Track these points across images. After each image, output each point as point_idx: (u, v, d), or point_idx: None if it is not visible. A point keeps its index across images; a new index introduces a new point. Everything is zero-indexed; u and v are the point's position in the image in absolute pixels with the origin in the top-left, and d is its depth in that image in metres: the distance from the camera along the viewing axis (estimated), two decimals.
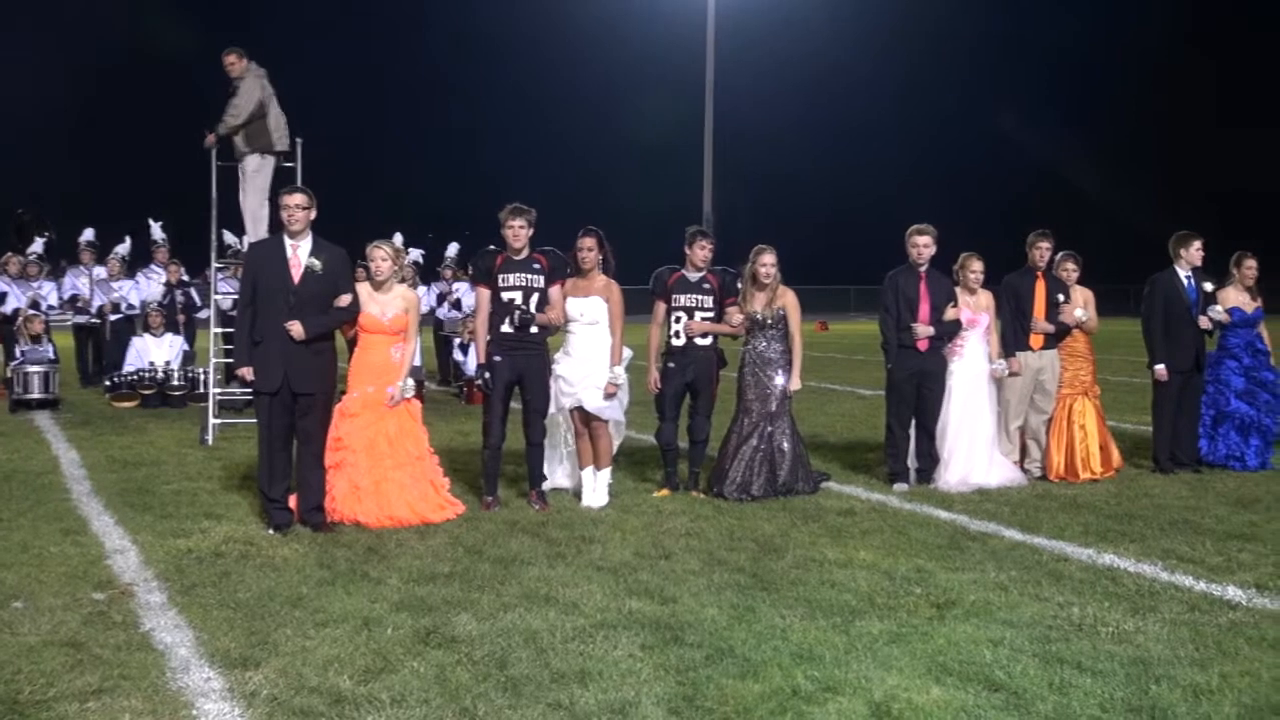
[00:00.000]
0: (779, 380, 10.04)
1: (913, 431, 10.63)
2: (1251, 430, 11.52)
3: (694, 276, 10.06)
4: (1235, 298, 11.67)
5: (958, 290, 10.65)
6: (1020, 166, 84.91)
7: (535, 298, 9.38)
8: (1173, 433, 11.41)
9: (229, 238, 16.40)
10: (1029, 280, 11.07)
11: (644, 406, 10.35)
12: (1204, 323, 11.38)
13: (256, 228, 13.43)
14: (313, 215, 8.62)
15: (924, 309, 10.41)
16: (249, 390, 9.34)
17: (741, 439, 10.02)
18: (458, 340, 19.08)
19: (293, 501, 8.77)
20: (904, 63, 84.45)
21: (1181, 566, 7.68)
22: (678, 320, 10.02)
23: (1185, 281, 11.42)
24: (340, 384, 8.95)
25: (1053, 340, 11.02)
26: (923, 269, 10.49)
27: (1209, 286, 11.53)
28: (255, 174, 13.44)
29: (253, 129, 13.42)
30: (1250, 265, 11.79)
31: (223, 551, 7.99)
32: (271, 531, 8.54)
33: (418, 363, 15.33)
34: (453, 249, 20.97)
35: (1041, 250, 11.08)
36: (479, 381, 9.52)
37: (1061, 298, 11.02)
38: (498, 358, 9.36)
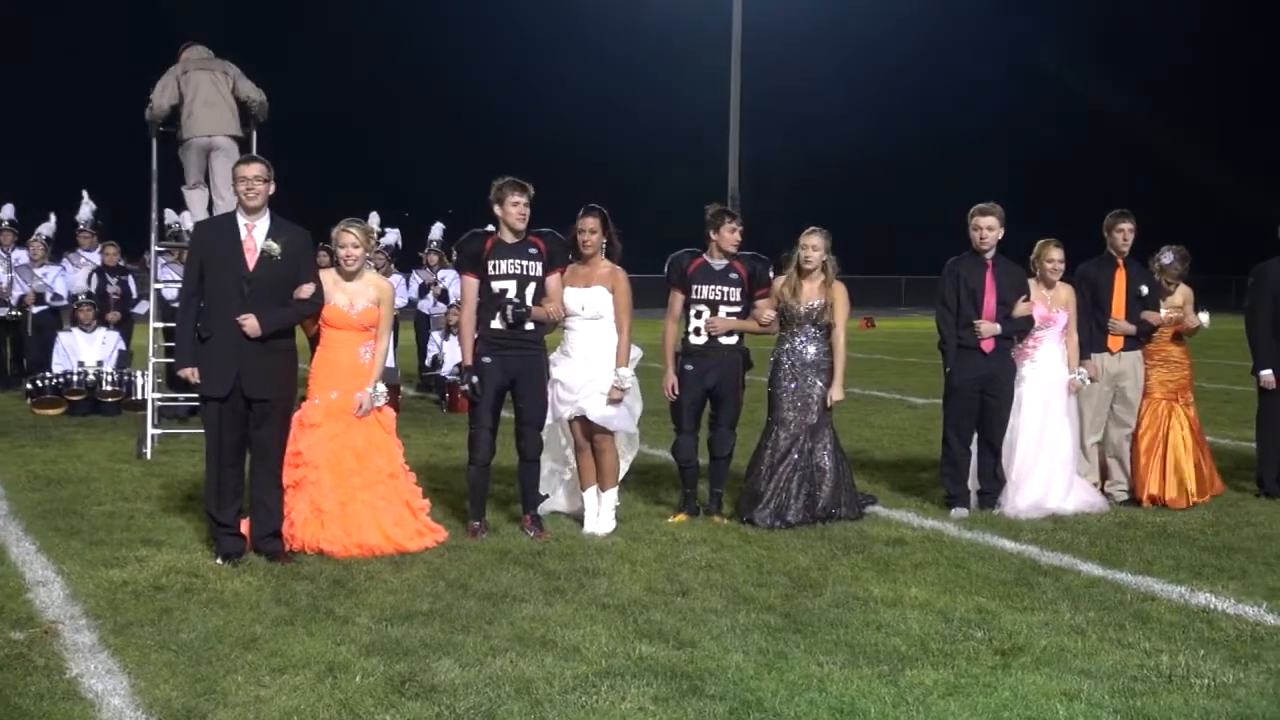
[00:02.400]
0: (820, 387, 10.04)
1: (974, 448, 10.63)
2: None
3: (719, 264, 10.06)
4: None
5: (1031, 283, 10.63)
6: (1102, 140, 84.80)
7: (531, 288, 9.39)
8: None
9: (170, 217, 16.43)
10: (1108, 270, 11.04)
11: (658, 416, 10.36)
12: None
13: (195, 208, 13.61)
14: (271, 190, 8.64)
15: (989, 303, 10.39)
16: (194, 396, 9.37)
17: (778, 456, 10.01)
18: (436, 332, 19.07)
19: (245, 526, 8.78)
20: (962, 7, 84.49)
21: None
22: (698, 315, 10.01)
23: None
24: (301, 389, 8.97)
25: (1134, 341, 10.98)
26: (989, 256, 10.47)
27: None
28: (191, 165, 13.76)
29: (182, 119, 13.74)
30: None
31: (163, 584, 8.00)
32: (220, 561, 8.55)
33: (392, 364, 15.34)
34: (437, 230, 20.97)
35: (1123, 233, 11.04)
36: (465, 387, 9.53)
37: (1145, 289, 10.97)
38: (487, 359, 9.36)
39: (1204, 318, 11.05)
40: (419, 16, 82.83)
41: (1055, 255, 10.67)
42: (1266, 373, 11.33)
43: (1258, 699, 6.06)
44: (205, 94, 13.70)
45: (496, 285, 9.36)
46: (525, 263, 9.37)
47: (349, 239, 9.04)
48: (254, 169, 8.63)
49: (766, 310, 10.04)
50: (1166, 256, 11.27)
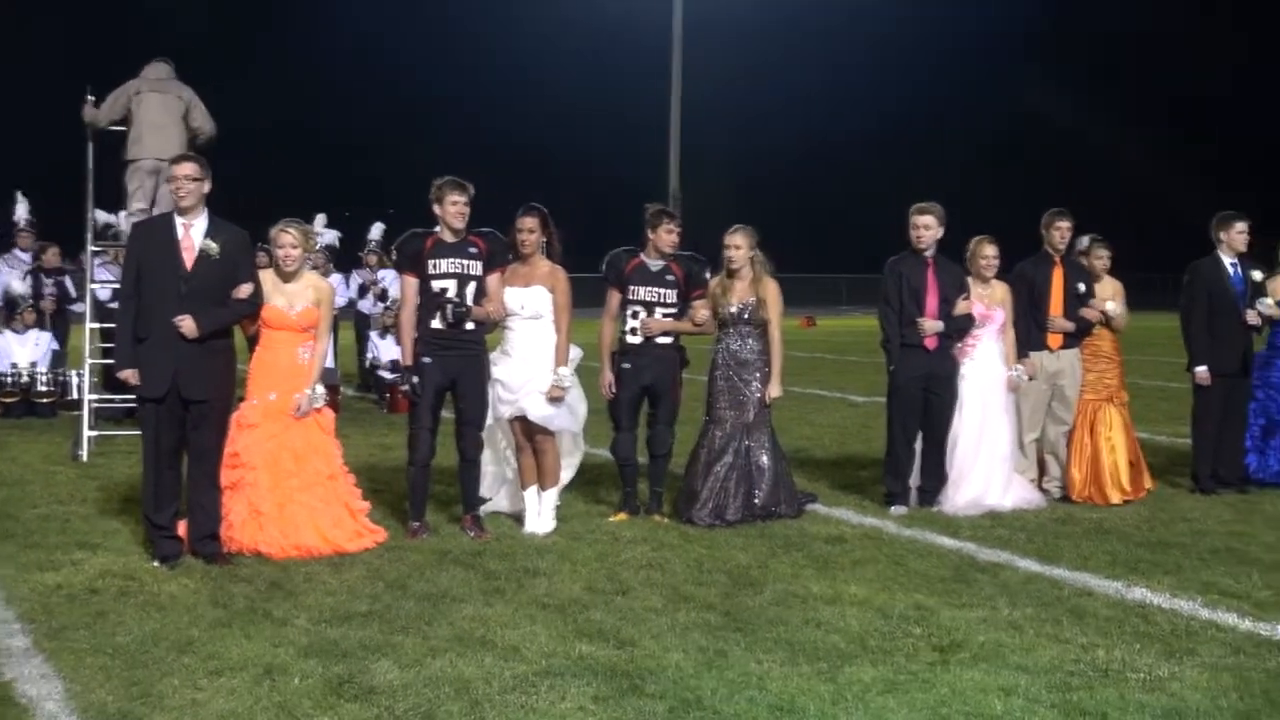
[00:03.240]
0: (756, 385, 10.07)
1: (917, 445, 10.68)
2: None
3: (655, 265, 10.07)
4: None
5: (969, 280, 10.69)
6: (1041, 136, 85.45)
7: (471, 287, 9.36)
8: (1215, 446, 11.50)
9: (104, 217, 16.26)
10: (1045, 268, 11.11)
11: (597, 415, 10.36)
12: (1251, 318, 11.46)
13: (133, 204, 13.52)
14: (206, 188, 8.57)
15: (931, 301, 10.45)
16: (131, 397, 9.28)
17: (714, 455, 10.04)
18: (373, 332, 18.99)
19: (182, 529, 8.71)
20: (905, 5, 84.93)
21: (1224, 602, 7.76)
22: (634, 316, 10.03)
23: (1230, 270, 11.52)
24: (239, 390, 8.91)
25: (1073, 339, 11.07)
26: (929, 254, 10.53)
27: (1258, 275, 11.62)
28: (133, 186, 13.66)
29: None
30: None
31: (98, 588, 7.93)
32: (157, 564, 8.49)
33: (331, 365, 15.27)
34: (376, 230, 20.87)
35: (1061, 231, 11.12)
36: (405, 387, 9.49)
37: (1082, 287, 11.06)
38: (426, 359, 9.33)
39: (1110, 306, 11.13)
40: (357, 16, 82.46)
41: (989, 252, 10.74)
42: (1201, 369, 11.43)
43: (1191, 692, 6.12)
44: (155, 117, 13.58)
45: (436, 285, 9.32)
46: (465, 262, 9.34)
47: (287, 239, 8.99)
48: (186, 168, 8.55)
49: (701, 311, 10.06)
50: (1084, 241, 11.35)
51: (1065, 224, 11.11)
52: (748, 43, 75.91)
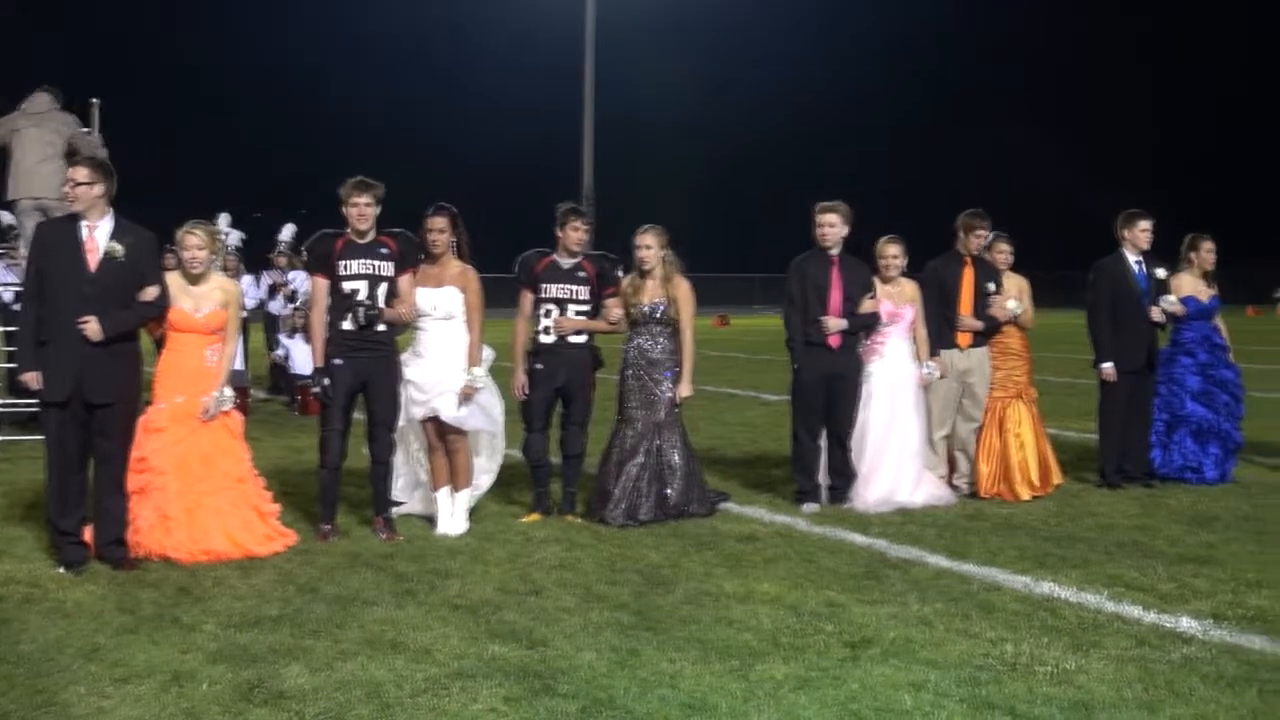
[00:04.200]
0: (667, 385, 10.09)
1: (824, 443, 10.74)
2: (1210, 437, 11.82)
3: (567, 263, 10.07)
4: (1190, 286, 11.96)
5: (877, 279, 10.77)
6: (945, 136, 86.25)
7: (382, 288, 9.32)
8: (1121, 442, 11.66)
9: (7, 218, 16.06)
10: (956, 267, 11.20)
11: (509, 416, 10.33)
12: (1155, 315, 11.63)
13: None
14: (98, 191, 8.39)
15: (835, 299, 10.50)
16: (34, 401, 9.13)
17: (625, 454, 10.05)
18: (282, 333, 18.84)
19: (88, 534, 8.60)
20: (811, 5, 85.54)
21: (1129, 595, 7.87)
22: (547, 314, 10.02)
23: (1135, 268, 11.67)
24: (145, 393, 8.80)
25: (982, 337, 11.17)
26: (833, 253, 10.59)
27: (1161, 273, 11.78)
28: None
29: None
30: (1208, 249, 12.09)
31: (2, 595, 7.81)
32: (62, 570, 8.36)
33: (240, 366, 15.14)
34: (287, 231, 20.71)
35: (980, 238, 11.19)
36: (315, 389, 9.43)
37: (992, 287, 11.16)
38: (337, 361, 9.27)
39: (1011, 304, 11.24)
40: (273, 17, 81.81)
41: (890, 251, 10.82)
42: (1107, 366, 11.58)
43: (1098, 685, 6.20)
44: (31, 156, 13.40)
45: (347, 286, 9.26)
46: (376, 263, 9.29)
47: (193, 241, 8.90)
48: (79, 173, 8.41)
49: (614, 309, 10.08)
50: (988, 236, 11.42)
51: (984, 230, 11.19)
52: (662, 42, 76.12)
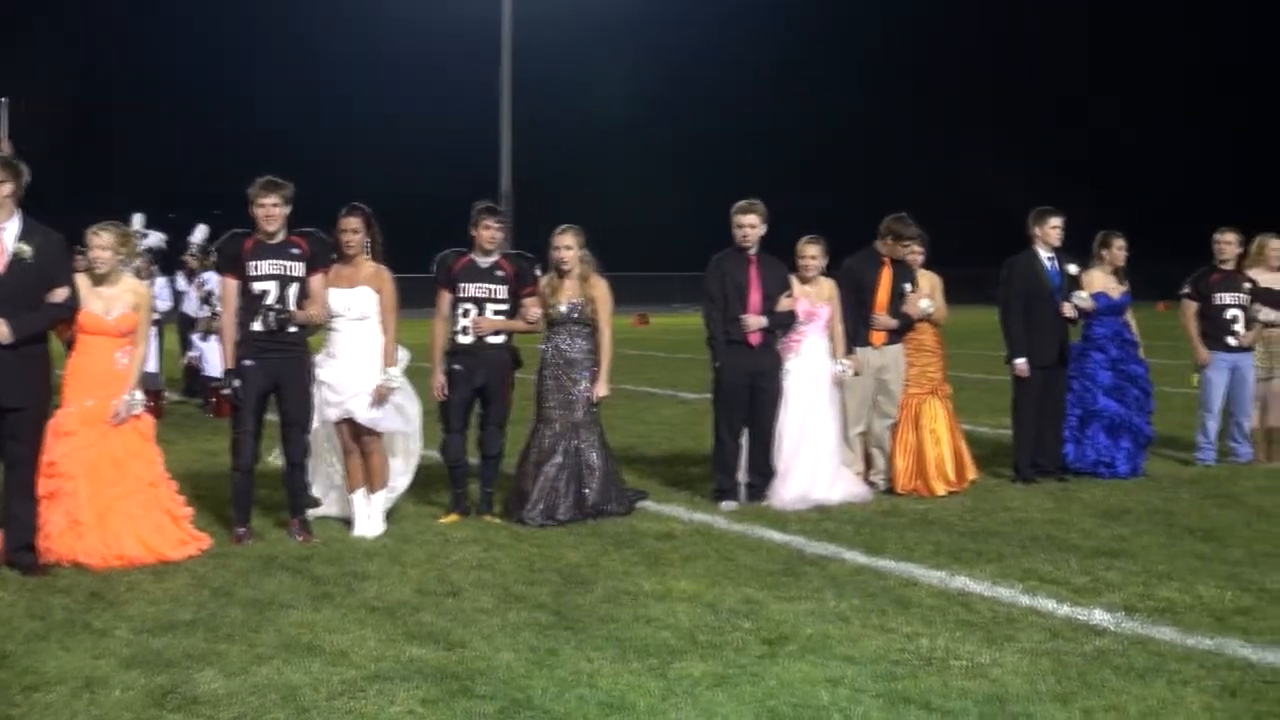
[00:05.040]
0: (584, 385, 10.08)
1: (744, 441, 10.78)
2: (1121, 431, 11.97)
3: (485, 263, 10.04)
4: (1101, 282, 12.11)
5: (794, 278, 10.82)
6: (862, 132, 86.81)
7: (293, 289, 9.24)
8: (1035, 437, 11.78)
9: None
10: (873, 266, 11.26)
11: (427, 417, 10.28)
12: (1067, 310, 11.75)
13: None
14: (5, 190, 8.26)
15: (754, 298, 10.55)
16: None
17: (543, 454, 10.04)
18: (196, 335, 18.65)
19: None
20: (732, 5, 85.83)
21: (1043, 589, 7.96)
22: (465, 314, 9.99)
23: (1047, 264, 11.79)
24: (55, 396, 8.68)
25: (897, 335, 11.25)
26: (751, 252, 10.63)
27: (1073, 269, 11.91)
28: None
29: None
30: (1120, 245, 12.24)
31: None
32: None
33: (153, 368, 14.97)
34: (200, 232, 20.48)
35: (907, 247, 11.28)
36: (226, 390, 9.34)
37: (909, 288, 11.25)
38: (248, 362, 9.18)
39: (924, 303, 11.33)
40: (179, 17, 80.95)
41: (810, 252, 10.87)
42: (1020, 361, 11.69)
43: (1012, 678, 6.26)
44: None
45: (257, 287, 9.18)
46: (286, 263, 9.21)
47: (98, 241, 8.78)
48: None
49: (533, 309, 10.06)
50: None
51: (908, 235, 11.26)
52: (578, 43, 76.09)
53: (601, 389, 10.16)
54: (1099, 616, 7.33)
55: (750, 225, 10.61)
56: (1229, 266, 12.71)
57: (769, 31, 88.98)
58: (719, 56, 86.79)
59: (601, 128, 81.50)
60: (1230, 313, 12.53)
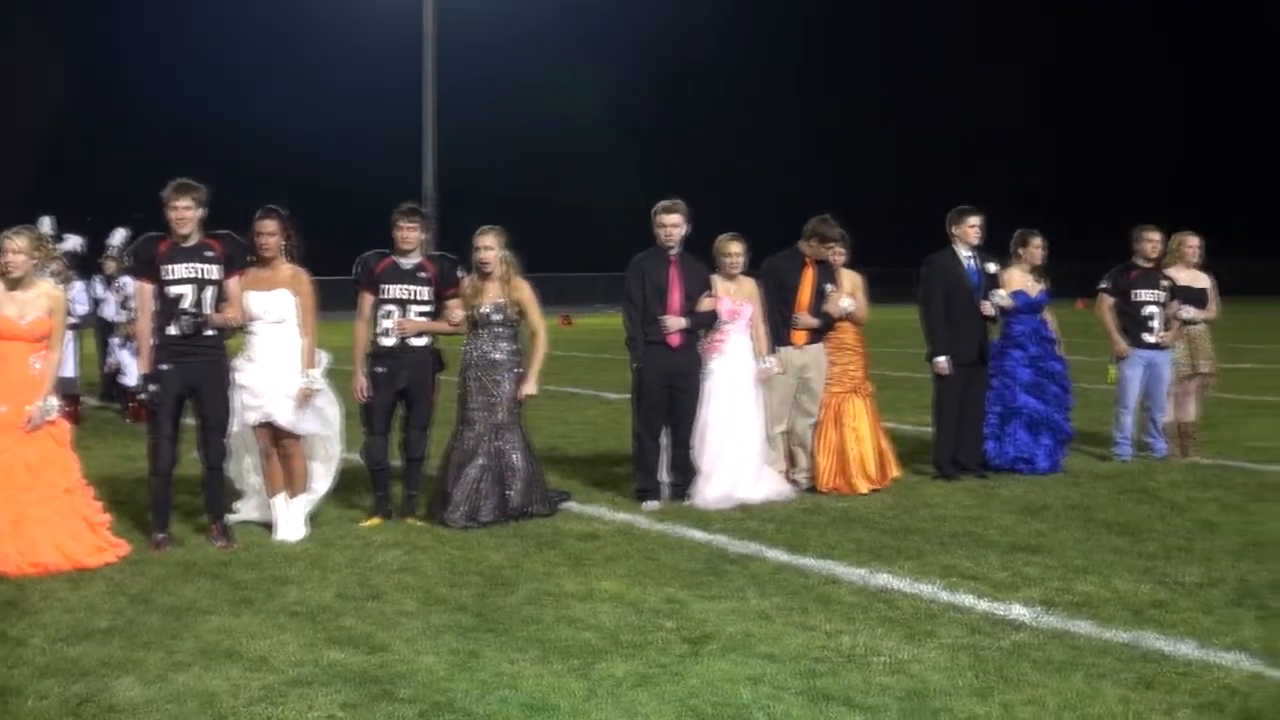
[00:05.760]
0: (506, 385, 10.06)
1: (666, 441, 10.79)
2: (1041, 428, 12.08)
3: (407, 264, 10.00)
4: (1019, 280, 12.22)
5: (716, 277, 10.84)
6: (789, 131, 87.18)
7: (210, 292, 9.16)
8: (956, 434, 11.88)
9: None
10: (795, 266, 11.30)
11: (350, 420, 10.23)
12: (986, 309, 11.85)
13: None
14: None
15: (675, 298, 10.56)
16: None
17: (465, 456, 10.01)
18: (115, 340, 18.44)
19: None
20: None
21: (963, 585, 8.03)
22: (387, 316, 9.94)
23: (966, 263, 11.89)
24: None
25: (819, 334, 11.30)
26: (673, 252, 10.65)
27: (992, 268, 12.01)
28: None
29: None
30: (1037, 245, 12.37)
31: None
32: None
33: (71, 374, 14.78)
34: (118, 235, 20.24)
35: (831, 250, 11.33)
36: (143, 395, 9.24)
37: (830, 287, 11.30)
38: (165, 366, 9.09)
39: (845, 302, 11.39)
40: (94, 15, 79.94)
41: (734, 249, 10.90)
42: (941, 359, 11.78)
43: (931, 673, 6.31)
44: None
45: (173, 290, 9.08)
46: (201, 266, 9.13)
47: (10, 245, 8.67)
48: None
49: (456, 310, 10.03)
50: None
51: (835, 243, 11.33)
52: (504, 44, 75.94)
53: (530, 387, 10.14)
54: (1018, 611, 7.40)
55: (673, 225, 10.63)
56: (1147, 264, 12.86)
57: (696, 32, 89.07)
58: (643, 57, 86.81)
59: (526, 129, 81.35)
60: (1148, 309, 12.69)
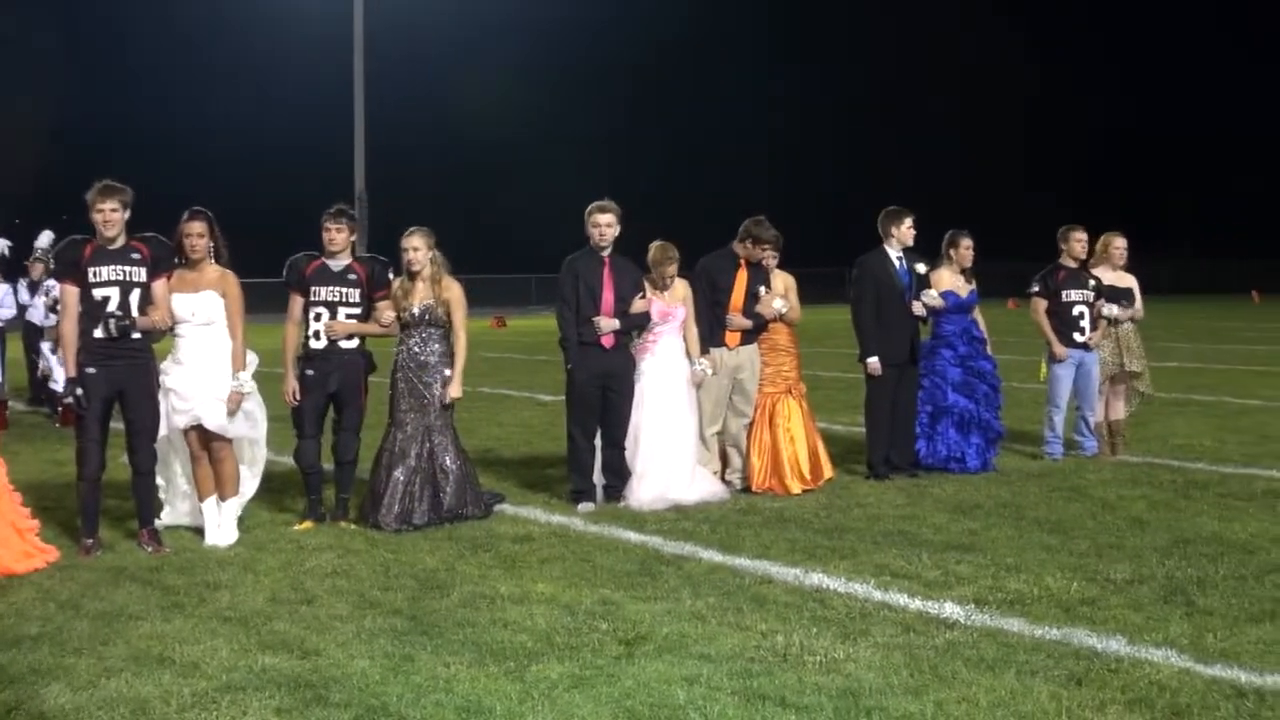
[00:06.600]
0: (438, 387, 10.03)
1: (600, 442, 10.80)
2: (971, 427, 12.18)
3: (337, 266, 9.95)
4: (949, 281, 12.31)
5: (647, 279, 10.86)
6: (727, 131, 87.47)
7: (136, 294, 9.08)
8: (888, 433, 11.94)
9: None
10: (729, 267, 11.33)
11: (281, 423, 10.18)
12: (917, 309, 11.93)
13: None
14: None
15: (608, 299, 10.57)
16: None
17: (396, 458, 9.98)
18: (45, 344, 18.25)
19: None
20: None
21: (896, 584, 8.07)
22: (317, 318, 9.90)
23: (897, 263, 11.96)
24: None
25: (751, 335, 11.34)
26: (606, 253, 10.66)
27: (922, 268, 12.10)
28: None
29: None
30: (967, 245, 12.46)
31: None
32: None
33: None
34: (45, 238, 20.01)
35: (764, 253, 11.37)
36: (69, 399, 9.15)
37: (763, 289, 11.35)
38: (91, 369, 9.00)
39: (777, 303, 11.43)
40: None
41: (669, 271, 10.92)
42: (873, 360, 11.83)
43: (865, 672, 6.35)
44: None
45: (98, 293, 9.01)
46: (127, 269, 9.05)
47: None
48: None
49: (386, 312, 10.00)
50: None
51: (769, 246, 11.37)
52: (434, 44, 75.71)
53: (455, 390, 10.11)
54: (950, 610, 7.45)
55: (606, 225, 10.64)
56: (1074, 264, 12.98)
57: (630, 31, 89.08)
58: (583, 54, 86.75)
59: (458, 128, 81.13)
60: (1077, 309, 12.81)
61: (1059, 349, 12.80)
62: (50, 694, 6.14)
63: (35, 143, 73.62)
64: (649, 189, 61.26)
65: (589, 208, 10.75)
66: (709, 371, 11.00)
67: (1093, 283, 12.94)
